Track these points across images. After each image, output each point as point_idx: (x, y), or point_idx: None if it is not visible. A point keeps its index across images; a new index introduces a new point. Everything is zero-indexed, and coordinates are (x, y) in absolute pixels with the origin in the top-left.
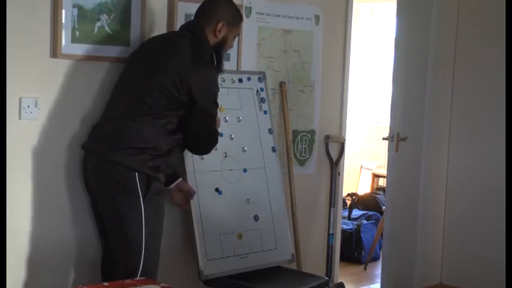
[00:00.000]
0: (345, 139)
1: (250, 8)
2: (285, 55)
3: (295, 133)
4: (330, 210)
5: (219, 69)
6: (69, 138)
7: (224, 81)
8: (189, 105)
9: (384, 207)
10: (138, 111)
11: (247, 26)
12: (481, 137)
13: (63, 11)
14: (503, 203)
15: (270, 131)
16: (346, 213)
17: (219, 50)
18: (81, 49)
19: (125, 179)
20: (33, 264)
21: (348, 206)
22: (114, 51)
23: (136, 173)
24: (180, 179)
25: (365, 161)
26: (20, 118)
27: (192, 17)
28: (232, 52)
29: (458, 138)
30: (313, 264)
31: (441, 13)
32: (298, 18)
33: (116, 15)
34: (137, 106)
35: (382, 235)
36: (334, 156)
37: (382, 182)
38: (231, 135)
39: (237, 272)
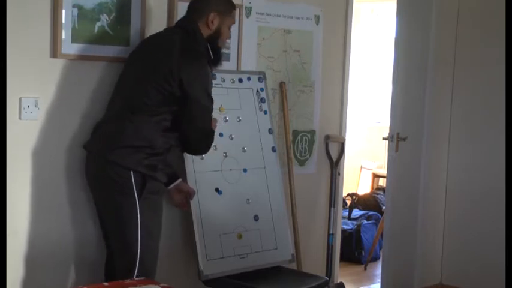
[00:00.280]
0: (345, 139)
1: (250, 8)
2: (285, 55)
3: (295, 133)
4: (330, 210)
5: (216, 61)
6: (69, 138)
7: (224, 81)
8: (182, 99)
9: (383, 207)
10: (134, 110)
11: (247, 26)
12: (481, 137)
13: (63, 11)
14: (503, 203)
15: (270, 131)
16: (346, 213)
17: (215, 42)
18: (81, 49)
19: (122, 179)
20: (33, 264)
21: (348, 206)
22: (114, 51)
23: (132, 172)
24: (179, 180)
25: (365, 161)
26: (20, 118)
27: None
28: (232, 52)
29: (458, 138)
30: (313, 264)
31: (441, 13)
32: (298, 18)
33: (116, 15)
34: (134, 105)
35: (382, 235)
36: (334, 156)
37: (382, 182)
38: (231, 135)
39: (237, 272)
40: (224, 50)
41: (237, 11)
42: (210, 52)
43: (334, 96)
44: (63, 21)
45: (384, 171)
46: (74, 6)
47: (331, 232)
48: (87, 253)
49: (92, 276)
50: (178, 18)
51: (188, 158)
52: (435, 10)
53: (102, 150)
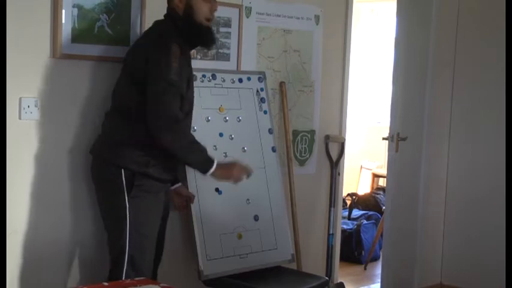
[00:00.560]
0: (345, 139)
1: (250, 8)
2: (285, 55)
3: (295, 133)
4: (330, 210)
5: (197, 38)
6: (69, 138)
7: (224, 81)
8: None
9: (383, 207)
10: (125, 108)
11: (247, 26)
12: (481, 136)
13: (63, 11)
14: (503, 203)
15: (270, 131)
16: (346, 213)
17: (191, 19)
18: (81, 49)
19: (113, 177)
20: (33, 263)
21: (348, 206)
22: (114, 51)
23: (123, 170)
24: (179, 184)
25: (365, 161)
26: (20, 118)
27: None
28: (232, 52)
29: (458, 138)
30: (313, 264)
31: (441, 13)
32: (298, 18)
33: (116, 15)
34: (122, 105)
35: (382, 235)
36: (334, 156)
37: (382, 182)
38: (231, 135)
39: (237, 272)
40: (224, 50)
41: None
42: (191, 31)
43: (334, 96)
44: (63, 21)
45: (383, 171)
46: (74, 6)
47: (331, 232)
48: (87, 253)
49: (92, 276)
50: None
51: None
52: (435, 10)
53: (98, 150)
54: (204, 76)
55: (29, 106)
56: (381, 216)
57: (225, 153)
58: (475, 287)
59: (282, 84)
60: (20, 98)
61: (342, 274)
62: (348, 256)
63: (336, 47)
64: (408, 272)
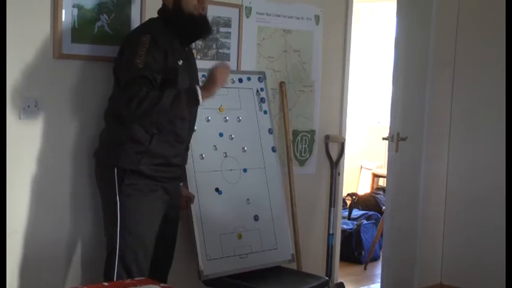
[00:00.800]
0: (345, 139)
1: (250, 8)
2: (285, 55)
3: (295, 133)
4: (330, 210)
5: (184, 28)
6: (69, 138)
7: None
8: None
9: (383, 207)
10: (112, 106)
11: (247, 26)
12: (481, 136)
13: (63, 11)
14: (503, 203)
15: (270, 131)
16: (346, 213)
17: (181, 11)
18: (81, 49)
19: (108, 176)
20: (33, 263)
21: (348, 206)
22: (114, 51)
23: (116, 169)
24: (180, 184)
25: (365, 161)
26: (20, 118)
27: None
28: (232, 52)
29: (458, 138)
30: (313, 264)
31: (441, 13)
32: (298, 18)
33: (116, 15)
34: (112, 102)
35: (382, 235)
36: (334, 156)
37: (382, 182)
38: (231, 135)
39: (237, 272)
40: (224, 50)
41: None
42: (181, 22)
43: (334, 96)
44: (63, 21)
45: (383, 171)
46: (74, 6)
47: (331, 232)
48: (86, 253)
49: (92, 276)
50: None
51: (188, 158)
52: (435, 10)
53: (97, 153)
54: (204, 76)
55: (29, 106)
56: (381, 216)
57: (225, 153)
58: (475, 287)
59: (282, 84)
60: (20, 98)
61: (342, 274)
62: (348, 256)
63: (336, 47)
64: (408, 272)
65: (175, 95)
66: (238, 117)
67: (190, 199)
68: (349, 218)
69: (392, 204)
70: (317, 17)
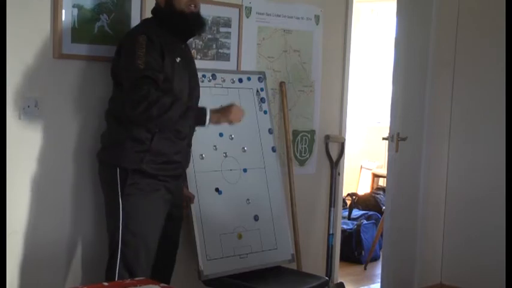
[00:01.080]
0: (345, 139)
1: (250, 8)
2: (285, 55)
3: (295, 133)
4: (330, 210)
5: (177, 25)
6: (69, 138)
7: (224, 81)
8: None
9: (383, 207)
10: (118, 108)
11: (247, 26)
12: (481, 137)
13: (63, 11)
14: (503, 203)
15: (270, 131)
16: (346, 213)
17: (172, 9)
18: (81, 49)
19: (111, 177)
20: (33, 263)
21: (348, 206)
22: (114, 51)
23: (118, 169)
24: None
25: (365, 161)
26: (20, 118)
27: None
28: (232, 52)
29: (458, 138)
30: (313, 264)
31: (441, 13)
32: (298, 18)
33: (116, 15)
34: (115, 104)
35: (382, 235)
36: (334, 156)
37: (382, 182)
38: (231, 135)
39: (237, 272)
40: (224, 50)
41: None
42: (173, 20)
43: (334, 96)
44: (63, 21)
45: (383, 171)
46: (74, 6)
47: (331, 232)
48: (87, 253)
49: (92, 276)
50: None
51: None
52: (435, 10)
53: (99, 155)
54: (204, 76)
55: (29, 106)
56: (381, 216)
57: (225, 153)
58: (475, 287)
59: (282, 84)
60: (20, 98)
61: (342, 274)
62: (348, 256)
63: (336, 47)
64: (408, 272)
65: (184, 110)
66: None
67: (190, 199)
68: (349, 218)
69: (392, 204)
70: (317, 17)
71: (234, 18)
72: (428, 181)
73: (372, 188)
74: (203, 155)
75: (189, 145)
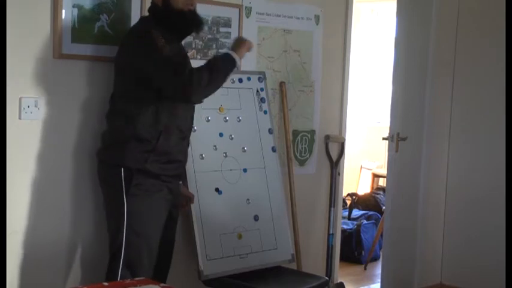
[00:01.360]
0: (345, 139)
1: (250, 8)
2: (285, 55)
3: (295, 133)
4: (330, 210)
5: (175, 24)
6: (69, 138)
7: None
8: (146, 82)
9: (383, 207)
10: (122, 106)
11: (247, 26)
12: (481, 136)
13: (63, 11)
14: (503, 203)
15: (270, 131)
16: (346, 213)
17: (170, 8)
18: (81, 49)
19: (114, 177)
20: (33, 263)
21: (348, 206)
22: (114, 51)
23: (122, 169)
24: (180, 183)
25: (365, 161)
26: (20, 118)
27: None
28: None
29: (458, 138)
30: (313, 264)
31: (441, 13)
32: (298, 18)
33: (116, 15)
34: (121, 102)
35: (382, 235)
36: (334, 156)
37: (382, 182)
38: (231, 135)
39: (237, 272)
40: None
41: None
42: (170, 19)
43: (334, 96)
44: (63, 21)
45: (383, 171)
46: (74, 6)
47: (331, 232)
48: (87, 253)
49: (92, 276)
50: None
51: (188, 158)
52: (435, 10)
53: (100, 154)
54: None
55: (29, 106)
56: (381, 216)
57: (225, 153)
58: (475, 287)
59: (282, 84)
60: (20, 98)
61: (342, 274)
62: (348, 256)
63: (336, 47)
64: (408, 272)
65: (216, 63)
66: (238, 117)
67: (190, 199)
68: (349, 218)
69: (392, 204)
70: (317, 17)
71: (234, 18)
72: (428, 181)
73: (372, 188)
74: (203, 155)
75: (188, 144)
